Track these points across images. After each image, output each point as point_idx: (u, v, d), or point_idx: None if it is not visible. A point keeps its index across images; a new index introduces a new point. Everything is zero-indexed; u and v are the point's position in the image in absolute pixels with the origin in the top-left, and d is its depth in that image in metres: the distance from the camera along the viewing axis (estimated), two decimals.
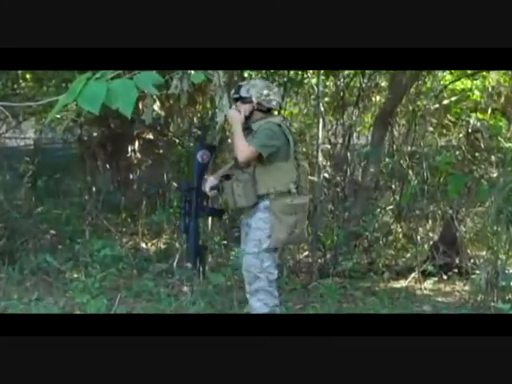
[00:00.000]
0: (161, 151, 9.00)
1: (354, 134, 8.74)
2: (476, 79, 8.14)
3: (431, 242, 7.47)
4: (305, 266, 7.05)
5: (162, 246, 7.66)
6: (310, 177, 5.56)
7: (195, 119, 8.87)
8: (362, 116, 9.02)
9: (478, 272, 6.19)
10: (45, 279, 6.39)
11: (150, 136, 9.02)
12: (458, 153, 7.72)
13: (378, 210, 8.04)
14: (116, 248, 6.66)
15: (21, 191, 8.13)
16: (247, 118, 4.81)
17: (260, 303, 4.73)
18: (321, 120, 7.31)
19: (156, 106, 8.28)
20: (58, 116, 8.83)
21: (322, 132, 7.51)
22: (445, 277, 6.85)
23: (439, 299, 6.30)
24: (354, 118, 8.51)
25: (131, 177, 9.19)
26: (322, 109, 7.60)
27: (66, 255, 6.89)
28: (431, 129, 8.34)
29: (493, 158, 7.32)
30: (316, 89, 7.65)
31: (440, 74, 7.92)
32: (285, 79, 7.93)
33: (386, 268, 6.90)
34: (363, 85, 8.40)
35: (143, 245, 7.74)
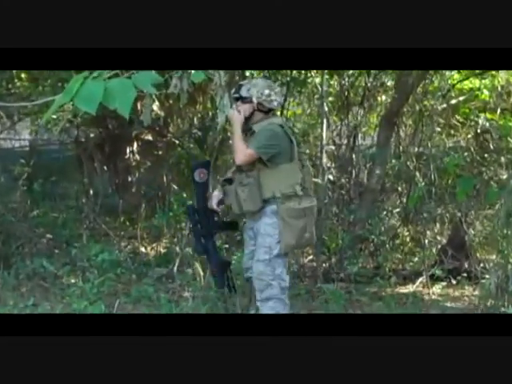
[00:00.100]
0: (160, 153, 9.00)
1: (359, 135, 8.75)
2: (485, 78, 8.13)
3: (439, 246, 7.47)
4: (309, 271, 7.05)
5: (162, 250, 7.66)
6: (314, 179, 5.57)
7: (195, 119, 8.87)
8: (368, 116, 9.02)
9: (487, 276, 6.16)
10: (41, 284, 6.39)
11: (149, 137, 9.01)
12: (466, 154, 7.71)
13: (385, 212, 8.04)
14: (114, 252, 6.69)
15: (16, 194, 8.13)
16: (247, 119, 4.80)
17: (272, 312, 4.71)
18: (325, 120, 7.32)
19: (155, 106, 8.27)
20: (54, 116, 8.82)
21: (326, 133, 7.52)
22: (453, 281, 6.86)
23: (448, 304, 6.30)
24: (359, 119, 8.51)
25: (130, 179, 9.20)
26: (326, 109, 7.61)
27: (63, 260, 6.90)
28: (439, 129, 8.33)
29: (502, 159, 7.32)
30: (320, 88, 7.66)
31: (448, 72, 7.91)
32: (288, 78, 7.93)
33: (393, 272, 6.90)
34: (368, 84, 8.41)
35: (142, 249, 7.74)
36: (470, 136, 8.23)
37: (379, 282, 6.63)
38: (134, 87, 2.46)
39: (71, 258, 6.83)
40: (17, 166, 8.62)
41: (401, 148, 8.42)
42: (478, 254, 7.14)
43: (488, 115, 7.99)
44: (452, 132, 8.59)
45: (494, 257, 6.56)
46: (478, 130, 7.98)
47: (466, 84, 8.41)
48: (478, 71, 7.78)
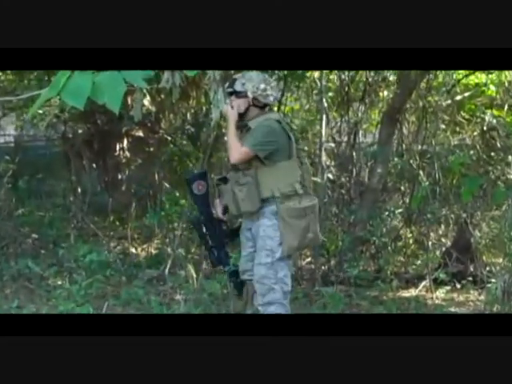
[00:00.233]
0: (151, 149, 8.99)
1: (360, 132, 8.75)
2: (491, 73, 8.12)
3: (443, 248, 7.47)
4: (307, 273, 7.03)
5: (153, 251, 7.65)
6: (313, 178, 5.55)
7: (188, 115, 8.87)
8: (369, 112, 9.03)
9: (493, 280, 6.15)
10: (26, 286, 6.39)
11: (140, 133, 9.01)
12: (472, 152, 7.72)
13: (386, 213, 8.01)
14: (103, 253, 6.68)
15: (0, 192, 8.10)
16: (243, 115, 4.77)
17: None
18: (324, 116, 7.32)
19: (146, 101, 8.27)
20: (41, 111, 8.85)
21: (326, 129, 7.51)
22: (458, 285, 6.85)
23: (452, 309, 6.28)
24: (359, 115, 8.51)
25: (119, 177, 9.19)
26: (326, 104, 7.61)
27: (49, 260, 6.91)
28: (443, 126, 8.34)
29: (510, 157, 7.33)
30: (319, 83, 7.66)
31: None
32: (285, 72, 7.91)
33: (395, 276, 6.87)
34: (370, 79, 8.41)
35: (133, 250, 7.72)
36: (475, 133, 8.24)
37: (380, 286, 6.62)
38: (123, 81, 2.44)
39: (58, 259, 6.84)
40: (1, 162, 8.58)
41: (403, 146, 8.42)
42: (484, 257, 7.14)
43: (495, 112, 7.99)
44: (457, 129, 8.60)
45: (500, 260, 6.58)
46: (485, 127, 7.98)
47: (472, 79, 8.41)
48: None
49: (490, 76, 8.20)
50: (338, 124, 8.68)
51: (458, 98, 8.29)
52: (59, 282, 6.30)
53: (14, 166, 8.53)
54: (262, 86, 4.72)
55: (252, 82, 4.71)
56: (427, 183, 7.39)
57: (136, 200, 8.50)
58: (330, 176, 7.95)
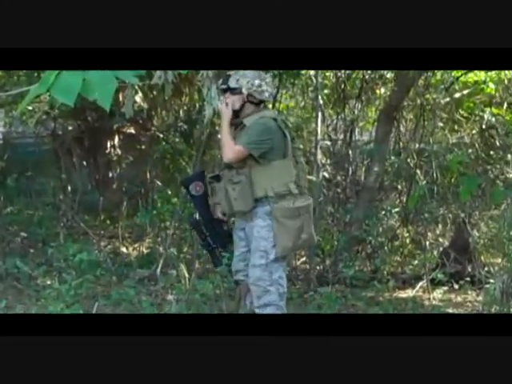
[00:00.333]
0: (143, 147, 9.00)
1: (357, 130, 8.76)
2: (490, 71, 8.14)
3: (441, 248, 7.48)
4: (302, 274, 7.04)
5: (145, 251, 7.65)
6: (308, 176, 5.55)
7: (181, 112, 8.87)
8: (365, 110, 9.04)
9: (492, 281, 6.15)
10: (15, 286, 6.37)
11: (132, 130, 9.01)
12: (470, 151, 7.75)
13: (383, 212, 8.03)
14: (93, 252, 6.65)
15: None
16: (238, 112, 4.77)
17: None
18: (320, 114, 7.30)
19: (138, 98, 8.28)
20: (30, 108, 8.84)
21: (321, 127, 7.50)
22: (456, 286, 6.86)
23: (450, 310, 6.29)
24: (356, 112, 8.54)
25: (110, 175, 9.19)
26: (321, 102, 7.59)
27: (39, 260, 6.90)
28: (441, 124, 8.37)
29: (509, 156, 7.34)
30: (314, 80, 7.65)
31: None
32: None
33: (392, 276, 6.87)
34: (366, 76, 8.42)
35: (124, 249, 7.71)
36: (474, 132, 8.27)
37: (377, 287, 6.59)
38: (114, 77, 2.43)
39: (47, 258, 6.82)
40: None
41: (401, 144, 8.44)
42: (482, 257, 7.15)
43: (494, 110, 8.02)
44: (455, 127, 8.63)
45: (499, 260, 6.59)
46: (483, 126, 8.02)
47: (471, 77, 8.42)
48: None
49: (489, 74, 8.21)
50: (334, 122, 8.67)
51: (457, 95, 8.31)
52: (48, 282, 6.27)
53: (2, 164, 8.53)
54: (257, 81, 4.70)
55: (246, 78, 4.68)
56: (425, 182, 7.41)
57: (127, 198, 8.49)
58: (326, 174, 7.95)
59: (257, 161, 4.62)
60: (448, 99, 8.11)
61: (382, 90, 8.83)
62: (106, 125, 8.75)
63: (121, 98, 6.92)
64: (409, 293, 6.75)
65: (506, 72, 7.97)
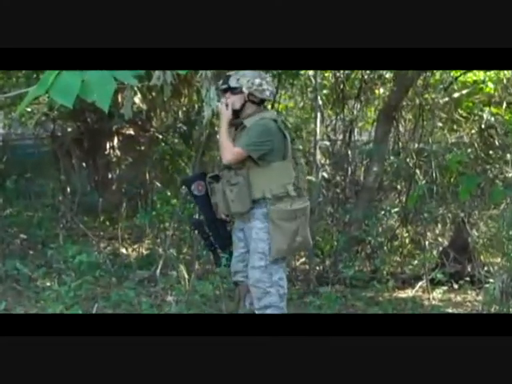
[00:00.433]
0: (142, 148, 9.00)
1: (356, 130, 8.77)
2: (489, 70, 8.15)
3: (440, 248, 7.49)
4: (301, 274, 7.04)
5: (144, 252, 7.65)
6: (307, 176, 5.56)
7: (180, 113, 8.87)
8: (365, 110, 9.05)
9: (491, 281, 6.16)
10: (14, 287, 6.36)
11: (131, 131, 9.02)
12: (469, 150, 7.75)
13: (382, 212, 8.04)
14: (93, 254, 6.64)
15: None
16: (238, 112, 4.76)
17: None
18: (319, 114, 7.33)
19: (137, 99, 8.28)
20: (29, 109, 8.85)
21: (321, 128, 7.53)
22: (455, 286, 6.87)
23: (449, 310, 6.30)
24: (355, 113, 8.55)
25: (110, 176, 9.19)
26: (320, 102, 7.62)
27: (38, 261, 6.89)
28: (440, 124, 8.37)
29: (508, 156, 7.35)
30: (313, 80, 7.67)
31: None
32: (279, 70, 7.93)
33: (391, 276, 6.87)
34: (365, 76, 8.43)
35: (123, 250, 7.72)
36: (473, 131, 8.27)
37: (376, 287, 6.61)
38: (113, 79, 2.44)
39: (47, 260, 6.82)
40: None
41: (400, 144, 8.45)
42: (481, 257, 7.16)
43: (493, 109, 8.03)
44: (454, 127, 8.63)
45: (498, 260, 6.60)
46: (483, 125, 8.02)
47: (470, 76, 8.44)
48: None
49: (488, 73, 8.22)
50: (333, 122, 8.68)
51: (456, 95, 8.32)
52: (48, 284, 6.27)
53: (1, 166, 8.53)
54: (258, 80, 4.67)
55: (247, 77, 4.65)
56: (424, 182, 7.42)
57: (127, 200, 8.49)
58: (325, 175, 7.97)
59: (256, 162, 4.60)
60: (447, 99, 8.12)
61: (381, 90, 8.84)
62: (105, 126, 8.75)
63: (120, 100, 6.91)
64: (408, 293, 6.76)
65: (505, 72, 7.98)
